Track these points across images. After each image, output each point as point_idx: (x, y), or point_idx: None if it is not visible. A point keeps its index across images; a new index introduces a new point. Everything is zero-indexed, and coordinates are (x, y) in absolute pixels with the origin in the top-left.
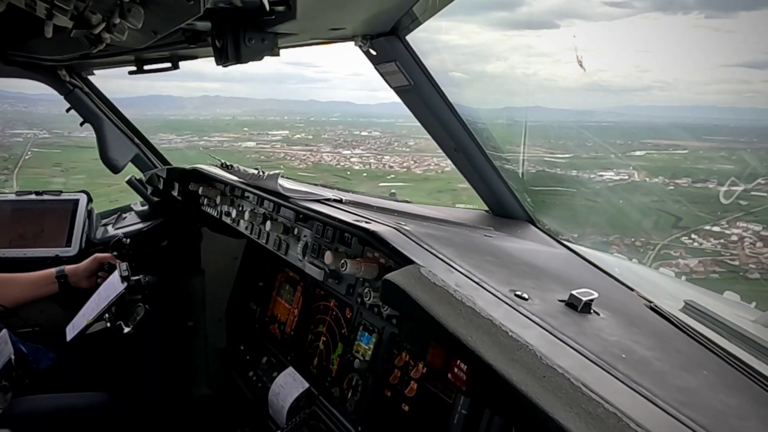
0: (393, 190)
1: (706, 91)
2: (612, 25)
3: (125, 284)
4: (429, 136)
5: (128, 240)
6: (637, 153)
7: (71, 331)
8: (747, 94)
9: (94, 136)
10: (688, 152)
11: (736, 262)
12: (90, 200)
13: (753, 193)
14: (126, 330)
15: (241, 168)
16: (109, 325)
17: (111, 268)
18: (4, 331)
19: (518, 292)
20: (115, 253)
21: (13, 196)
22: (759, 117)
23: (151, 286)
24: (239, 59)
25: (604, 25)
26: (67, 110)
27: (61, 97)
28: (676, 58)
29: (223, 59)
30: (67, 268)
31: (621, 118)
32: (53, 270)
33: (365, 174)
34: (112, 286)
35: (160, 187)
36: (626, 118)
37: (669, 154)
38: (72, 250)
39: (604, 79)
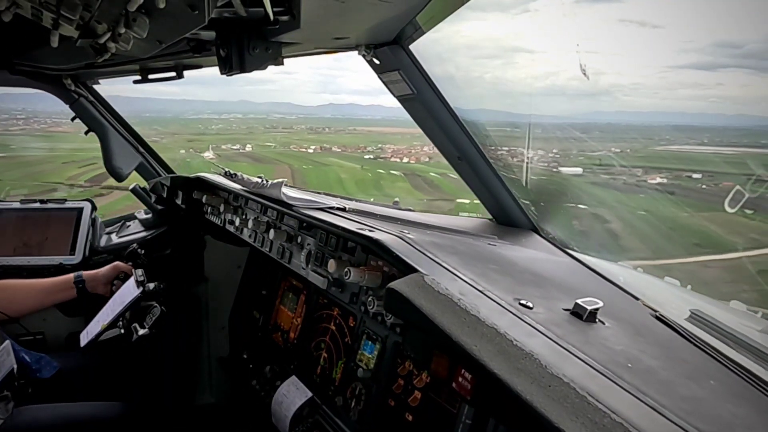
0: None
1: (674, 97)
2: (556, 20)
3: (141, 289)
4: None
5: (143, 250)
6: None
7: (85, 338)
8: (712, 99)
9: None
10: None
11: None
12: (94, 208)
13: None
14: (141, 332)
15: (245, 176)
16: (123, 331)
17: (126, 278)
18: (7, 342)
19: (523, 301)
20: (130, 263)
21: (17, 204)
22: (729, 123)
23: (165, 292)
24: (243, 68)
25: (553, 22)
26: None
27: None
28: (621, 59)
29: (227, 68)
30: (85, 273)
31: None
32: (71, 276)
33: None
34: (128, 291)
35: (164, 195)
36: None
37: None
38: (76, 258)
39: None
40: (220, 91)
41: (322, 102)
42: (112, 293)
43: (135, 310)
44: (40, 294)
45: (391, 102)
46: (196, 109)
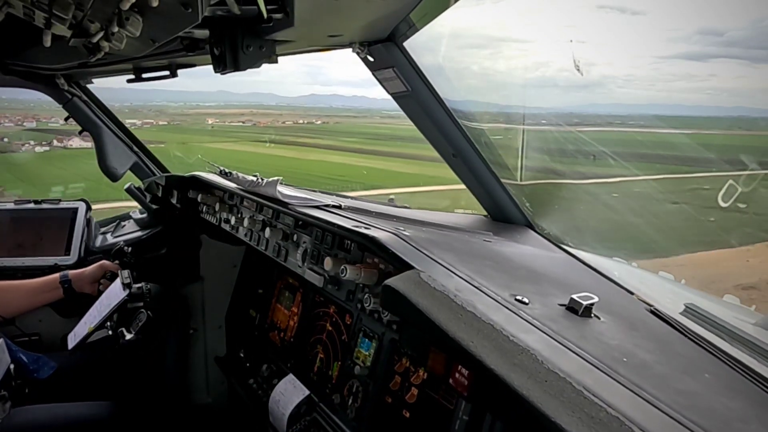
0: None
1: (669, 89)
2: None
3: (127, 291)
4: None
5: (129, 248)
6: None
7: (73, 340)
8: (708, 91)
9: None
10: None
11: None
12: (89, 208)
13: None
14: (128, 337)
15: (240, 175)
16: (110, 332)
17: (113, 277)
18: (1, 340)
19: (518, 297)
20: (117, 261)
21: (11, 205)
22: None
23: (152, 294)
24: (237, 66)
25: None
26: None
27: None
28: (611, 50)
29: (221, 66)
30: (71, 273)
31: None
32: (57, 275)
33: None
34: (114, 293)
35: (159, 194)
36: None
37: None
38: (71, 259)
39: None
40: (206, 82)
41: (308, 93)
42: (100, 292)
43: (122, 313)
44: (28, 294)
45: (374, 93)
46: (170, 98)
